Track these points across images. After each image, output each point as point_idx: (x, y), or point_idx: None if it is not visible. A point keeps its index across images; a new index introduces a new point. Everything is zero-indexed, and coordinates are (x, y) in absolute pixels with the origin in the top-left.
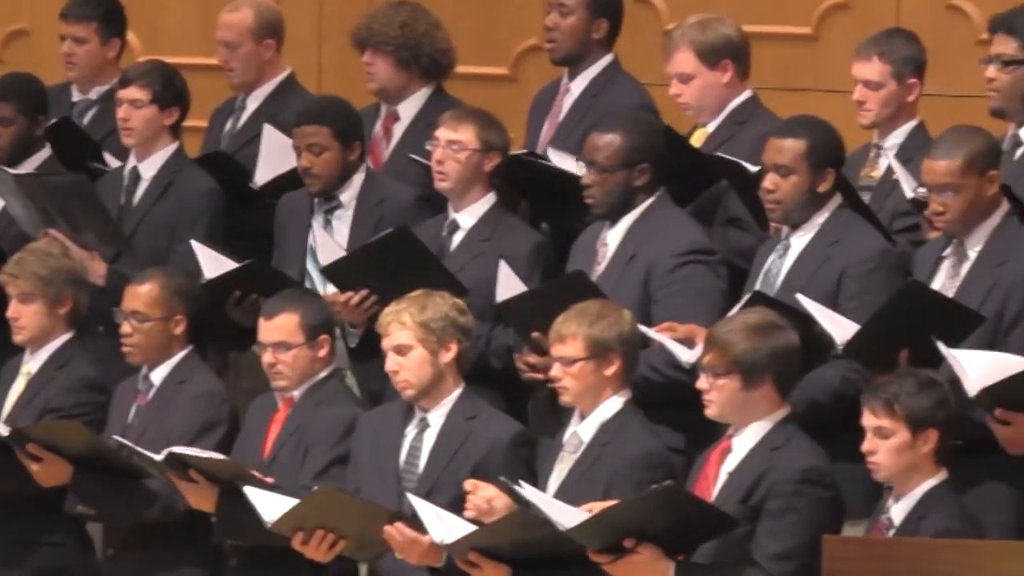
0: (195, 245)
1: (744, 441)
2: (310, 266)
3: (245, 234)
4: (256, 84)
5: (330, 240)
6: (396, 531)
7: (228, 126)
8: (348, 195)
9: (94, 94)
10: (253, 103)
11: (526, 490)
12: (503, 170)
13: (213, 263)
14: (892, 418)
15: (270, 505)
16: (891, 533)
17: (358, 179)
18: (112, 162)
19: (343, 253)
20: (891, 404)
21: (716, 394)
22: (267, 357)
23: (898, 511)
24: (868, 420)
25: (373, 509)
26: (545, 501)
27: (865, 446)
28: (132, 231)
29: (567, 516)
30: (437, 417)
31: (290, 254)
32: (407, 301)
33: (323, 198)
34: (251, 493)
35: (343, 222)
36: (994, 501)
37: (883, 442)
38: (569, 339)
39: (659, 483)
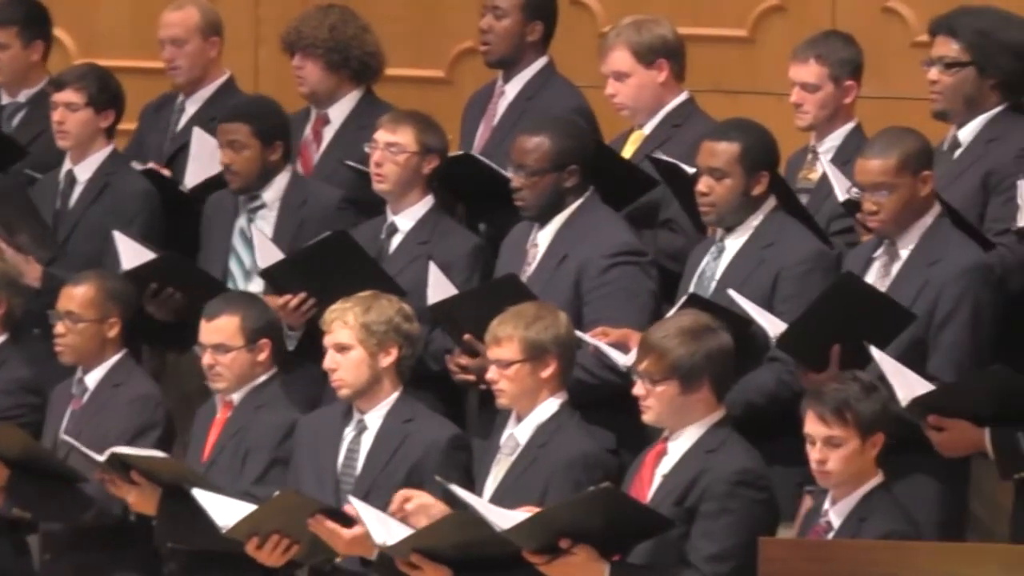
0: (117, 236)
1: (679, 444)
2: (233, 265)
3: (179, 237)
4: (199, 84)
5: (268, 242)
6: (315, 523)
7: (168, 129)
8: (272, 195)
9: (22, 97)
10: (192, 106)
11: (460, 493)
12: (441, 172)
13: (133, 255)
14: (843, 426)
15: (223, 510)
16: (830, 536)
17: (282, 179)
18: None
19: (281, 255)
20: (842, 411)
21: (654, 400)
22: (206, 358)
23: (837, 514)
24: (816, 429)
25: (332, 514)
26: (480, 504)
27: (815, 456)
28: (68, 234)
29: (502, 518)
30: (375, 419)
31: (214, 252)
32: (354, 300)
33: (246, 197)
34: (201, 497)
35: (267, 222)
36: (920, 498)
37: (834, 451)
38: (505, 341)
39: (596, 484)
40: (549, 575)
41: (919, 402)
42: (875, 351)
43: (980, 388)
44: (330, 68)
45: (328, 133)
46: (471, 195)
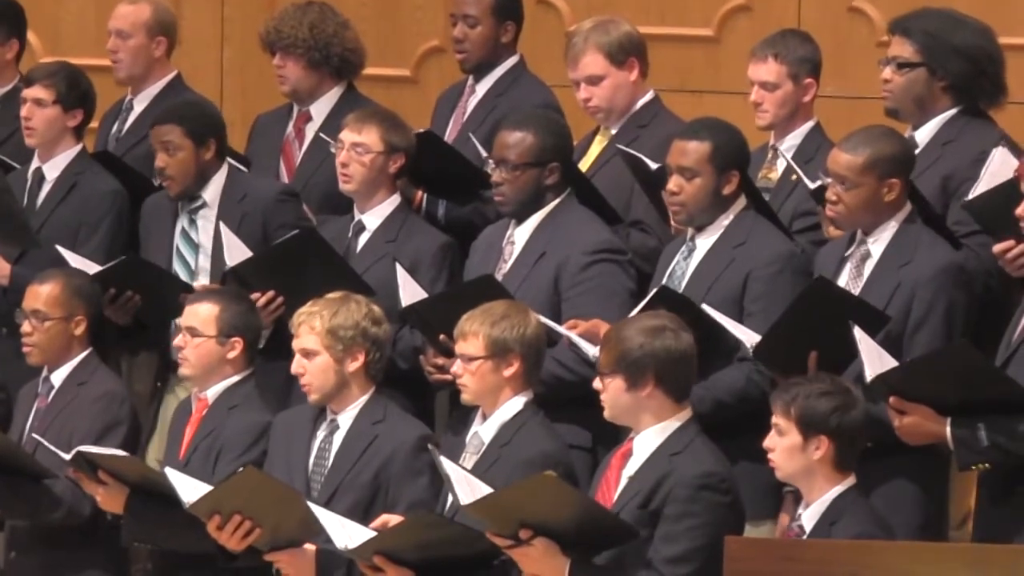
0: (62, 251)
1: (645, 445)
2: (178, 267)
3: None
4: (141, 82)
5: (236, 240)
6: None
7: (115, 128)
8: (211, 193)
9: None
10: (140, 104)
11: (445, 463)
12: (409, 167)
13: (82, 266)
14: (787, 419)
15: (190, 488)
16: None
17: (219, 177)
18: None
19: (249, 253)
20: (788, 405)
21: (606, 394)
22: (177, 340)
23: (808, 517)
24: (773, 417)
25: (293, 497)
26: (457, 474)
27: (766, 442)
28: (36, 232)
29: (471, 496)
30: (346, 420)
31: (155, 256)
32: (322, 303)
33: (184, 199)
34: (172, 476)
35: (208, 221)
36: (898, 501)
37: (779, 440)
38: (470, 337)
39: None
40: (516, 562)
41: (882, 378)
42: (857, 330)
43: (942, 365)
44: (311, 66)
45: (310, 130)
46: (431, 178)
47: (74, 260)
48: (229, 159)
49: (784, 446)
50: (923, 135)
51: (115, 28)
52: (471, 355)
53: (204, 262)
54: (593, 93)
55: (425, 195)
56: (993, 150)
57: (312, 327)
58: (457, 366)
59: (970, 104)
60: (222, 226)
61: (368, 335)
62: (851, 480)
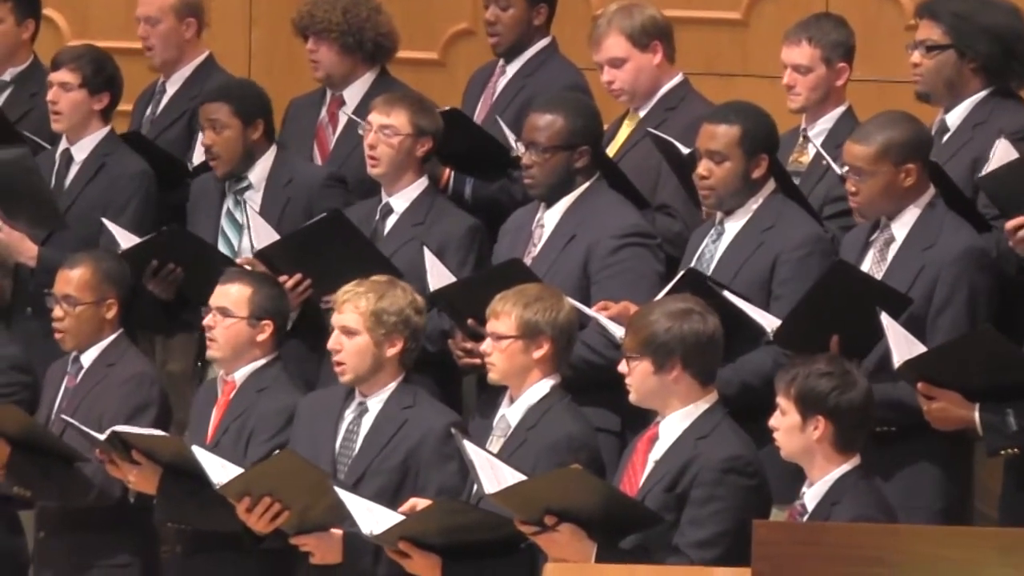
0: (107, 223)
1: (670, 429)
2: (222, 247)
3: (175, 214)
4: (176, 64)
5: (263, 222)
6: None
7: (148, 111)
8: (257, 175)
9: (8, 75)
10: (172, 87)
11: (468, 447)
12: (436, 150)
13: (126, 240)
14: (787, 398)
15: (219, 468)
16: (804, 519)
17: (267, 159)
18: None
19: (276, 236)
20: (789, 385)
21: (632, 378)
22: (207, 319)
23: (810, 497)
24: (777, 396)
25: (326, 483)
26: (482, 460)
27: (771, 421)
28: (64, 213)
29: (494, 482)
30: (376, 403)
31: (200, 235)
32: (368, 285)
33: (231, 179)
34: (200, 455)
35: (253, 202)
36: (920, 484)
37: (781, 420)
38: (503, 316)
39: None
40: (543, 548)
41: (910, 365)
42: (884, 316)
43: (969, 350)
44: (345, 51)
45: (344, 115)
46: (458, 157)
47: (119, 233)
48: None
49: (784, 426)
50: (954, 118)
51: (143, 15)
52: (501, 334)
53: (247, 243)
54: (615, 76)
55: (452, 173)
56: (996, 141)
57: (357, 306)
58: (487, 344)
59: (1001, 85)
60: (249, 208)
61: (410, 323)
62: (855, 461)
